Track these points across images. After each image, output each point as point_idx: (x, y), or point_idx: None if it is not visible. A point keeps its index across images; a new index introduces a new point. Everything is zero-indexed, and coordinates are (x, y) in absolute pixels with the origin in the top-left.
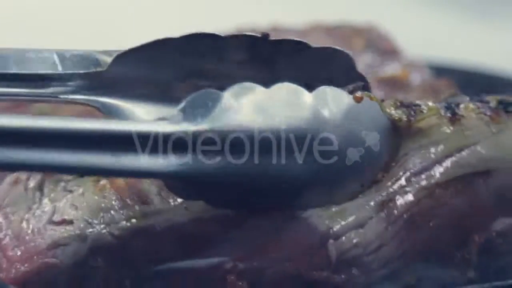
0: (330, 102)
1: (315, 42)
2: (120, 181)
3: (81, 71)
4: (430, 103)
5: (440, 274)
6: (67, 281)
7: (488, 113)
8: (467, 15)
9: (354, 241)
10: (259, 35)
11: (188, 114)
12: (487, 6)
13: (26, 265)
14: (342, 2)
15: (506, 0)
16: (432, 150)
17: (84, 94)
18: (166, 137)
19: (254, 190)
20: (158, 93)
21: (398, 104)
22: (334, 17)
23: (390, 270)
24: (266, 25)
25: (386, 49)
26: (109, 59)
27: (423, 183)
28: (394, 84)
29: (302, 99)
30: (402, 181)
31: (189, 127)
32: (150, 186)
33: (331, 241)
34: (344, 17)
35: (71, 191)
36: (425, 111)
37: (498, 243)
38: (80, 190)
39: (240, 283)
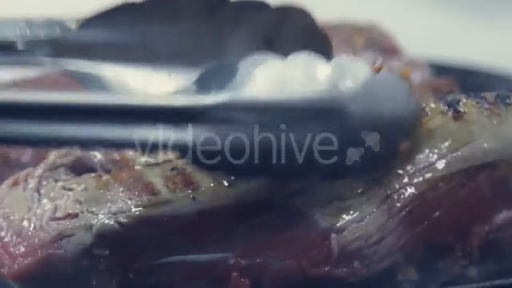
0: (348, 73)
1: None
2: (123, 175)
3: (49, 37)
4: (432, 104)
5: (441, 268)
6: (71, 271)
7: (486, 106)
8: (467, 14)
9: (356, 234)
10: None
11: (202, 87)
12: (487, 6)
13: (29, 258)
14: (342, 1)
15: (506, 0)
16: (439, 147)
17: (53, 59)
18: (181, 110)
19: (270, 158)
20: (126, 57)
21: None
22: (334, 16)
23: (391, 262)
24: None
25: (386, 48)
26: (76, 25)
27: (427, 176)
28: None
29: (319, 70)
30: (406, 175)
31: (203, 99)
32: (155, 178)
33: (333, 235)
34: (344, 16)
35: (71, 189)
36: (429, 112)
37: (500, 237)
38: (82, 187)
39: (243, 280)
